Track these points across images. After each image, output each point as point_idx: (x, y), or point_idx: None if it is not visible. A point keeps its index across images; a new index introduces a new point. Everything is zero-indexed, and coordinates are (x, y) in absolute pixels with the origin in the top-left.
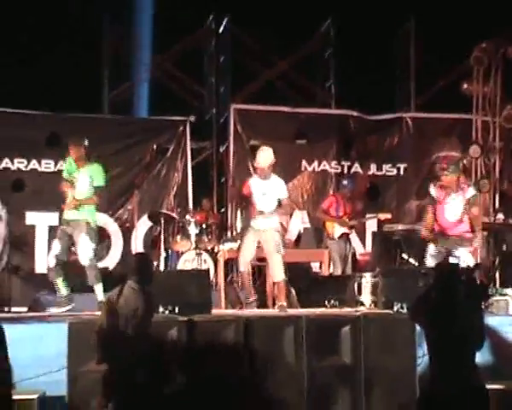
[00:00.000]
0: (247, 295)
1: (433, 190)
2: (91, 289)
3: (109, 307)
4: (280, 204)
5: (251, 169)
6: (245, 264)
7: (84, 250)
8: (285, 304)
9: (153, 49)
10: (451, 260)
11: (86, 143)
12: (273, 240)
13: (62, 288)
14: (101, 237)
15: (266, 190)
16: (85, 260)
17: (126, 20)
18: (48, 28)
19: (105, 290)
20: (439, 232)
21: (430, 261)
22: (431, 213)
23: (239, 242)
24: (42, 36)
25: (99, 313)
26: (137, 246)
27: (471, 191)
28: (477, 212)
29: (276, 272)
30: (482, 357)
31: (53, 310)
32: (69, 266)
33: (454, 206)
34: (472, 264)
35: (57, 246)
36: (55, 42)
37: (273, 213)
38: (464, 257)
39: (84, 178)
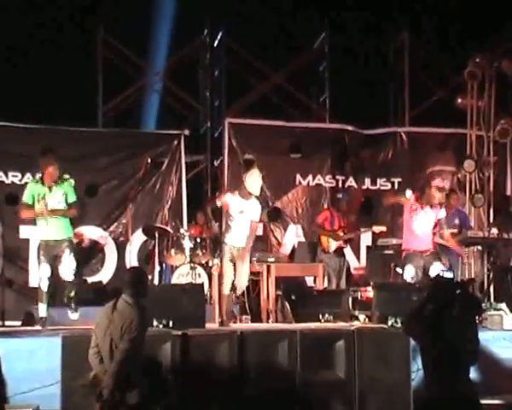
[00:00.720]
0: (227, 317)
1: (409, 194)
2: (85, 303)
3: (103, 321)
4: (250, 226)
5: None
6: (229, 286)
7: (69, 267)
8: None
9: (148, 63)
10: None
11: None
12: (246, 259)
13: (44, 311)
14: (95, 250)
15: (244, 209)
16: (70, 276)
17: (121, 33)
18: (42, 41)
19: (99, 304)
20: (409, 252)
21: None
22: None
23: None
24: (36, 49)
25: (91, 326)
26: (132, 260)
27: (443, 212)
28: (448, 234)
29: (239, 290)
30: (476, 372)
31: (37, 327)
32: (59, 282)
33: (424, 221)
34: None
35: (47, 269)
36: (49, 55)
37: (247, 232)
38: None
39: (57, 196)
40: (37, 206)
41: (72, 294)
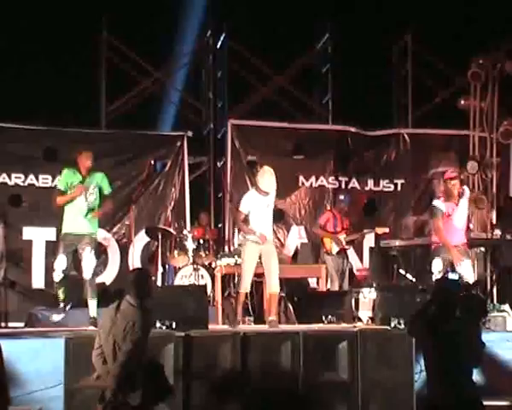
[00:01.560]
0: (237, 316)
1: (440, 204)
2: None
3: (107, 322)
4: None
5: (248, 184)
6: (248, 284)
7: (89, 265)
8: (276, 319)
9: (151, 64)
10: (451, 275)
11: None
12: (274, 253)
13: (62, 297)
14: (99, 252)
15: (269, 202)
16: (88, 275)
17: (125, 35)
18: (45, 43)
19: (102, 306)
20: (440, 245)
21: (438, 276)
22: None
23: (236, 257)
24: (39, 51)
25: (92, 328)
26: (135, 261)
27: (467, 190)
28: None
29: (274, 283)
30: (479, 373)
31: (55, 318)
32: (67, 282)
33: (462, 212)
34: (471, 278)
35: (63, 260)
36: (52, 57)
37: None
38: (466, 271)
39: (90, 188)
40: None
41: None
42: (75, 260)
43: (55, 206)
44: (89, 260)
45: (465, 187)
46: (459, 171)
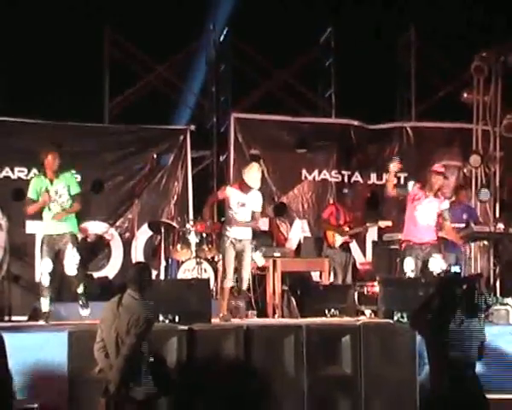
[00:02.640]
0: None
1: (411, 186)
2: (92, 299)
3: (109, 316)
4: (252, 217)
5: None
6: (231, 279)
7: (72, 261)
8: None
9: (154, 59)
10: (453, 268)
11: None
12: (248, 252)
13: (47, 305)
14: (101, 246)
15: (246, 201)
16: (73, 271)
17: (127, 30)
18: (49, 38)
19: (106, 299)
20: (409, 243)
21: (411, 275)
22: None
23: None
24: (42, 45)
25: (97, 321)
26: (138, 255)
27: (446, 204)
28: (449, 226)
29: (244, 282)
30: (482, 367)
31: (41, 322)
32: (65, 277)
33: (427, 210)
34: (440, 271)
35: (48, 264)
36: (55, 51)
37: (248, 224)
38: (435, 265)
39: (61, 189)
40: (41, 198)
41: (81, 290)
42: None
43: (27, 215)
44: (71, 257)
45: (446, 201)
46: (459, 183)
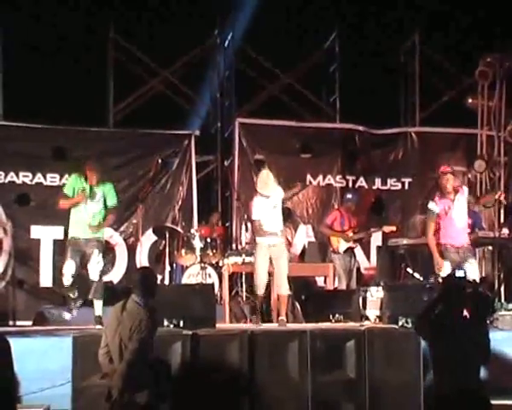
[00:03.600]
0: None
1: (433, 206)
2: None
3: (113, 321)
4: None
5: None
6: (263, 286)
7: (97, 267)
8: (285, 319)
9: (158, 63)
10: (457, 273)
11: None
12: (284, 254)
13: (73, 297)
14: (106, 250)
15: (275, 202)
16: (96, 276)
17: (131, 34)
18: (53, 43)
19: (110, 304)
20: (446, 247)
21: None
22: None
23: (244, 256)
24: (47, 50)
25: (99, 326)
26: (142, 260)
27: (466, 190)
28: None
29: (283, 286)
30: (487, 372)
31: (66, 317)
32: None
33: (460, 209)
34: (477, 278)
35: (72, 265)
36: (60, 56)
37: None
38: (471, 271)
39: (97, 197)
40: (76, 196)
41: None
42: (84, 261)
43: (59, 207)
44: (96, 263)
45: (464, 187)
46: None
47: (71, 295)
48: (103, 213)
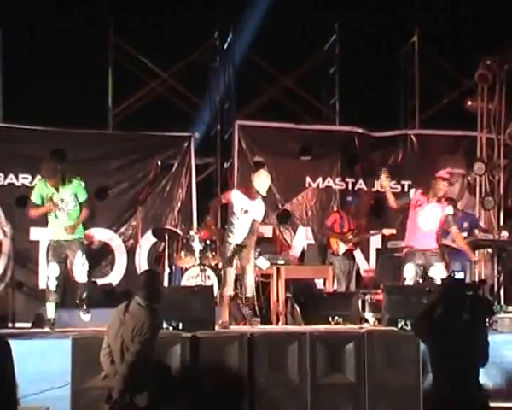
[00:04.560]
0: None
1: (412, 193)
2: (96, 305)
3: (115, 322)
4: (252, 225)
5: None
6: (232, 286)
7: (82, 268)
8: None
9: (158, 65)
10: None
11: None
12: (251, 258)
13: (52, 312)
14: (105, 253)
15: (249, 208)
16: (83, 278)
17: (131, 36)
18: (52, 44)
19: (109, 306)
20: (411, 249)
21: (409, 282)
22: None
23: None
24: (46, 50)
25: (101, 328)
26: (141, 262)
27: (449, 209)
28: (456, 231)
29: (249, 289)
30: (486, 375)
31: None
32: (68, 284)
33: (430, 215)
34: (443, 277)
35: (55, 269)
36: (59, 57)
37: (250, 231)
38: (440, 273)
39: (67, 198)
40: (46, 204)
41: (85, 295)
42: (66, 263)
43: (29, 217)
44: (81, 265)
45: (450, 207)
46: (452, 176)
47: (48, 309)
48: (77, 210)
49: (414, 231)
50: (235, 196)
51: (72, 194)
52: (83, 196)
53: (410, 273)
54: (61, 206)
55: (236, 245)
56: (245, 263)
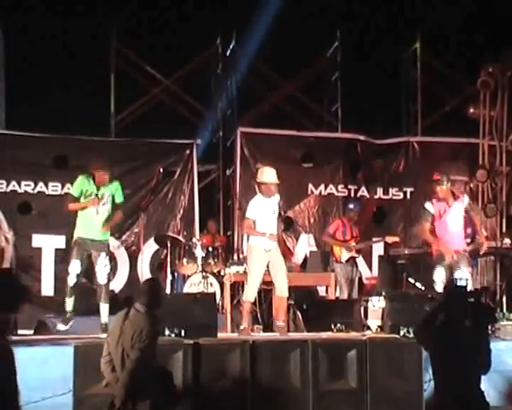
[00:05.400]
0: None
1: (429, 206)
2: (97, 312)
3: (115, 330)
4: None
5: (257, 191)
6: (254, 293)
7: (104, 270)
8: (284, 325)
9: (160, 72)
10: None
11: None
12: (281, 258)
13: (71, 306)
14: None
15: (275, 207)
16: (104, 279)
17: (134, 43)
18: (55, 51)
19: (111, 313)
20: (440, 252)
21: (439, 286)
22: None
23: (245, 265)
24: (49, 59)
25: (104, 335)
26: (144, 269)
27: (466, 199)
28: (478, 214)
29: (283, 287)
30: (488, 382)
31: (61, 327)
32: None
33: (456, 215)
34: (470, 284)
35: (77, 265)
36: (62, 65)
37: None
38: (462, 277)
39: (106, 197)
40: (88, 199)
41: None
42: (87, 267)
43: (66, 210)
44: (103, 266)
45: (465, 196)
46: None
47: (68, 303)
48: (111, 211)
49: (444, 235)
50: (257, 202)
51: (110, 194)
52: (120, 198)
53: (440, 277)
54: (100, 205)
55: (266, 249)
56: (277, 264)
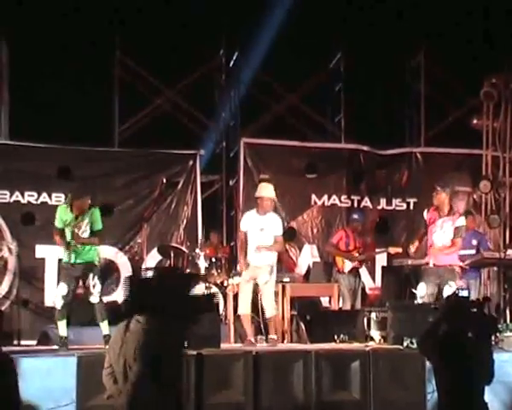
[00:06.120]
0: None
1: (425, 213)
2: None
3: (116, 341)
4: (274, 241)
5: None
6: (246, 306)
7: (94, 290)
8: (275, 337)
9: (163, 83)
10: (461, 292)
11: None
12: (268, 279)
13: (63, 330)
14: (111, 270)
15: (265, 226)
16: (95, 299)
17: (137, 54)
18: (58, 62)
19: (114, 324)
20: (426, 268)
21: (419, 300)
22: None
23: None
24: (52, 69)
25: (107, 346)
26: None
27: (461, 220)
28: (456, 243)
29: (268, 310)
30: (491, 393)
31: (56, 348)
32: (77, 301)
33: (442, 230)
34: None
35: (64, 287)
36: (65, 76)
37: (269, 249)
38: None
39: (84, 226)
40: (68, 231)
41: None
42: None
43: (57, 244)
44: (93, 287)
45: (461, 218)
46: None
47: (60, 328)
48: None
49: (429, 248)
50: (248, 218)
51: (89, 222)
52: (98, 226)
53: (420, 292)
54: (76, 232)
55: (256, 266)
56: (263, 283)
